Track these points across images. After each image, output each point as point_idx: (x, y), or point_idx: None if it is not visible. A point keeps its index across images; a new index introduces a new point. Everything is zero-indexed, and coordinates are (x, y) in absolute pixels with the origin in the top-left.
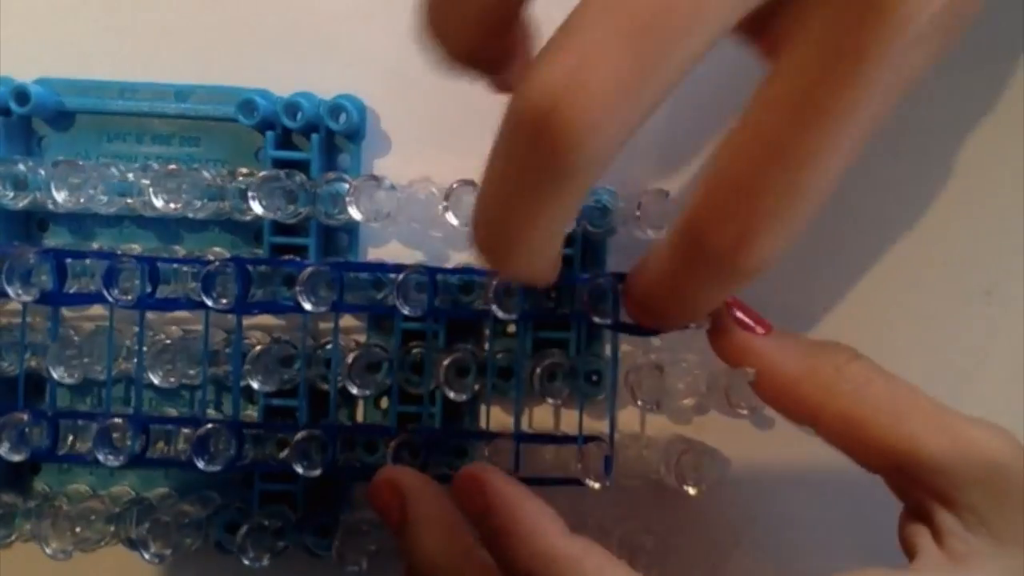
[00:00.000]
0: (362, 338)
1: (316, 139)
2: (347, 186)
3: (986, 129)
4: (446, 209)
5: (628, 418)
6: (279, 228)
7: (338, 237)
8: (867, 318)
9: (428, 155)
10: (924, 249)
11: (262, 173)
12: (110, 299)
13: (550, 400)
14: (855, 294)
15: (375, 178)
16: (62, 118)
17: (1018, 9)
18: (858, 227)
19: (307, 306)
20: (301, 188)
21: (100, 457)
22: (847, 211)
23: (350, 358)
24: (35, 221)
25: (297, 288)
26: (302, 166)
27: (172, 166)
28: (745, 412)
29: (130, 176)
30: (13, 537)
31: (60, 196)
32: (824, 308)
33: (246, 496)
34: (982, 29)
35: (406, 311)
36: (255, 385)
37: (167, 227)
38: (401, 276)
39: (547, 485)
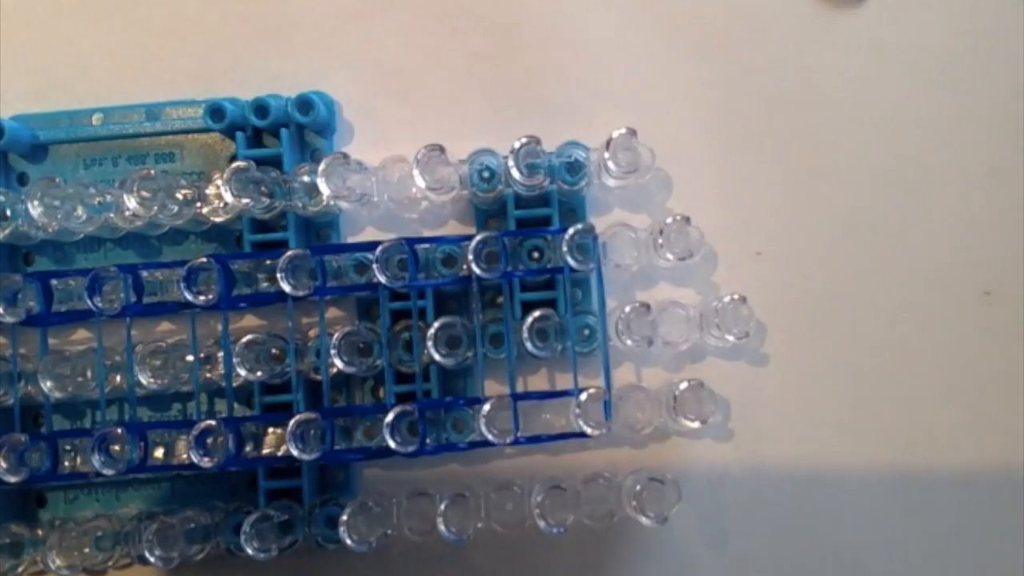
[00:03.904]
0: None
1: (286, 134)
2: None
3: (986, 130)
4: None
5: (624, 374)
6: (258, 226)
7: (318, 230)
8: (868, 317)
9: (399, 147)
10: (924, 249)
11: (233, 164)
12: (95, 308)
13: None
14: (856, 293)
15: (344, 155)
16: (37, 151)
17: (1019, 9)
18: (859, 228)
19: (288, 288)
20: (275, 183)
21: (98, 465)
22: (849, 212)
23: (339, 334)
24: (21, 255)
25: (278, 273)
26: (275, 163)
27: (145, 170)
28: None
29: (108, 197)
30: (21, 569)
31: (37, 212)
32: (826, 307)
33: (252, 499)
34: (982, 29)
35: (384, 280)
36: (243, 372)
37: (147, 244)
38: (380, 248)
39: (548, 442)
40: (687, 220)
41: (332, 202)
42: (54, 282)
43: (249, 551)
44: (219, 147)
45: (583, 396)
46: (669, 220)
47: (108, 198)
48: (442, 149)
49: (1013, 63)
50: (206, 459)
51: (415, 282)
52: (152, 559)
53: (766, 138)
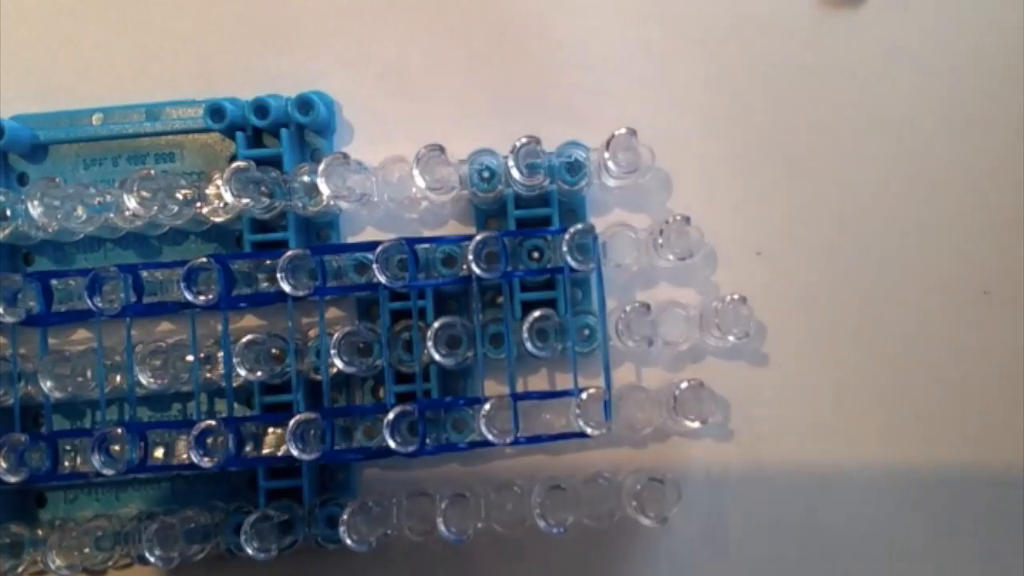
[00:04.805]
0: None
1: (286, 134)
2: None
3: (986, 130)
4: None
5: (624, 374)
6: (258, 226)
7: (318, 230)
8: (868, 317)
9: (399, 147)
10: (924, 249)
11: (233, 164)
12: (95, 308)
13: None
14: (856, 293)
15: (344, 155)
16: (37, 151)
17: (1019, 9)
18: (859, 228)
19: (288, 288)
20: (275, 183)
21: (98, 465)
22: (849, 212)
23: (339, 334)
24: (21, 255)
25: (278, 273)
26: (275, 163)
27: (145, 170)
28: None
29: (108, 197)
30: (21, 569)
31: (37, 212)
32: (826, 307)
33: (252, 499)
34: (982, 30)
35: (384, 280)
36: (243, 372)
37: (147, 244)
38: (380, 248)
39: (548, 442)
40: (687, 220)
41: (332, 202)
42: (54, 282)
43: (249, 551)
44: (219, 147)
45: (583, 396)
46: (669, 220)
47: (108, 198)
48: (442, 149)
49: (1013, 63)
50: (206, 459)
51: (415, 282)
52: (152, 559)
53: (766, 138)
